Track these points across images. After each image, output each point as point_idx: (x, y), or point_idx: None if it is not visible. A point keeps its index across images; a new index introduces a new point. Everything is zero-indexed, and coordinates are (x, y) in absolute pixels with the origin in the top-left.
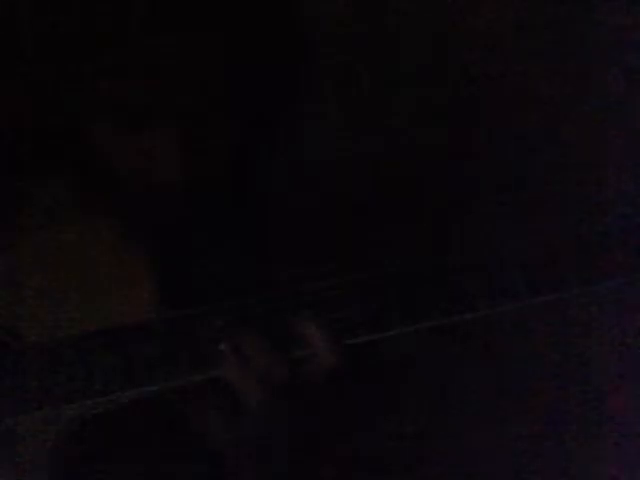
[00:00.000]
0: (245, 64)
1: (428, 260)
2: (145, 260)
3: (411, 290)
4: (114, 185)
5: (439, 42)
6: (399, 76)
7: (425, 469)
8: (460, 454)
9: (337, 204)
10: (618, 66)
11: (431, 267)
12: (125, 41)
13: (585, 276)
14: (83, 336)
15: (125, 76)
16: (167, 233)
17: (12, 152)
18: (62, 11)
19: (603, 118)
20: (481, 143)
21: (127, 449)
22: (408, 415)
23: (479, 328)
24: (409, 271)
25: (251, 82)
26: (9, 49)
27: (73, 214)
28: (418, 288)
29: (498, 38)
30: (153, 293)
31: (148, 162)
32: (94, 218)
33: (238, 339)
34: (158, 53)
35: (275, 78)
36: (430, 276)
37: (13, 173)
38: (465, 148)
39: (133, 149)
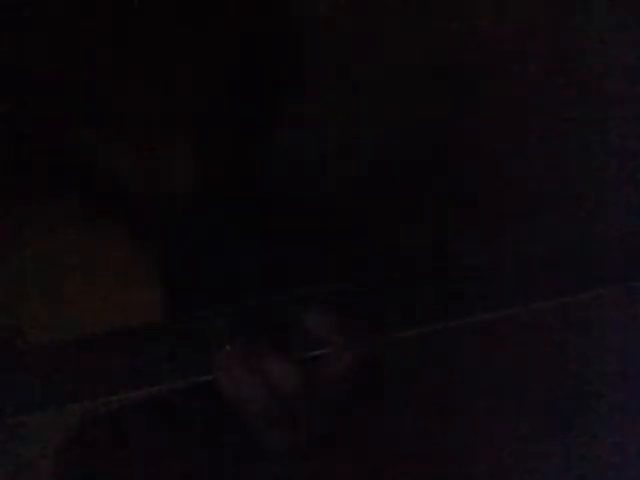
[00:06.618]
0: (245, 63)
1: (428, 263)
2: (149, 261)
3: (412, 293)
4: (117, 187)
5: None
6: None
7: (432, 468)
8: (462, 455)
9: (338, 205)
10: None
11: (431, 271)
12: (124, 44)
13: (584, 280)
14: (88, 337)
15: (125, 78)
16: (171, 235)
17: (14, 153)
18: (63, 13)
19: (602, 121)
20: (477, 142)
21: (131, 450)
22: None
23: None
24: (410, 274)
25: (251, 81)
26: (8, 54)
27: (78, 215)
28: (419, 291)
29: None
30: (157, 295)
31: (151, 164)
32: (98, 219)
33: (246, 340)
34: (158, 54)
35: (274, 77)
36: (430, 280)
37: (16, 173)
38: (462, 147)
39: (135, 150)
